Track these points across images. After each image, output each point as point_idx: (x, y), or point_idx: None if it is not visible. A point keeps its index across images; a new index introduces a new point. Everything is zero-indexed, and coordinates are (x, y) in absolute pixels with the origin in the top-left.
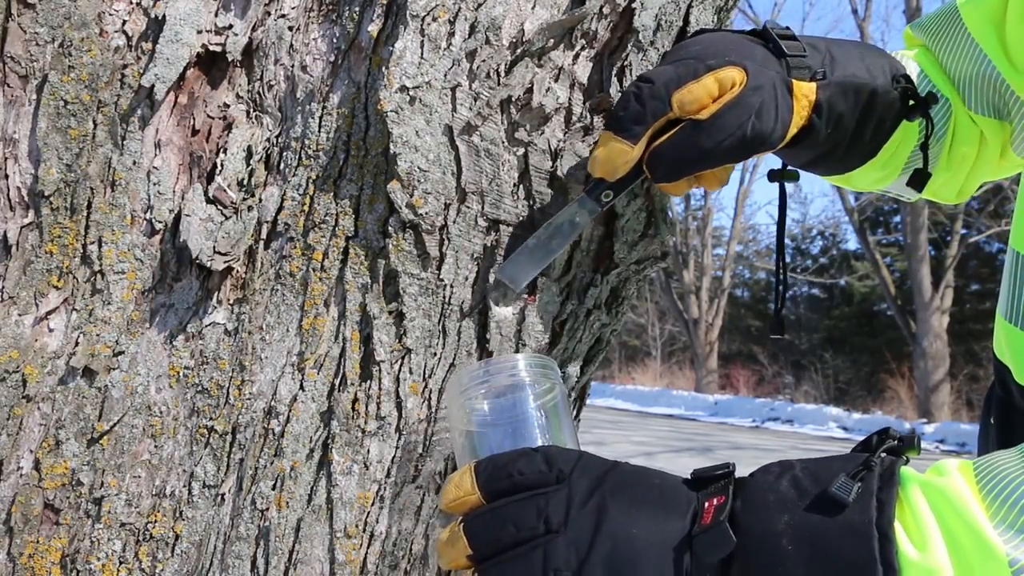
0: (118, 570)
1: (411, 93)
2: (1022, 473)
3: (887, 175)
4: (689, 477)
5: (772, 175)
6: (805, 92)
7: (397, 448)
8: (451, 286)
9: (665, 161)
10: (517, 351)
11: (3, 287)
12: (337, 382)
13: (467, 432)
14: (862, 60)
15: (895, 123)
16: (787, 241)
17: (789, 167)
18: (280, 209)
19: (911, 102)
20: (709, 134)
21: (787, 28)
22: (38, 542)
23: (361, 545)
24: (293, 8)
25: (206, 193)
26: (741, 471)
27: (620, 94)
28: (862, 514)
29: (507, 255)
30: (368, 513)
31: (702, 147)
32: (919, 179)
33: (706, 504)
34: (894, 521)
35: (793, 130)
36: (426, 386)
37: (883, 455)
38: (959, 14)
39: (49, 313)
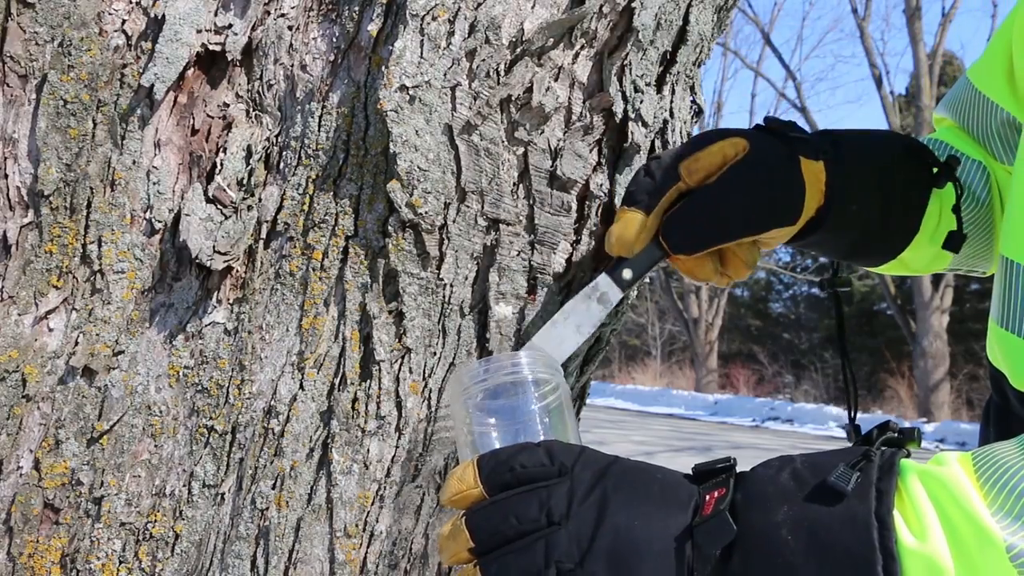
0: (118, 570)
1: (411, 92)
2: (1020, 461)
3: (943, 251)
4: (691, 472)
5: (824, 284)
6: (815, 171)
7: (397, 447)
8: (451, 285)
9: (678, 228)
10: (517, 350)
11: (3, 287)
12: (337, 381)
13: (469, 430)
14: (868, 138)
15: (924, 193)
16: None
17: (840, 274)
18: (280, 208)
19: (934, 170)
20: (718, 197)
21: (789, 121)
22: (38, 542)
23: (361, 544)
24: (293, 7)
25: (206, 192)
26: (741, 470)
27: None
28: (861, 503)
29: (530, 329)
30: (368, 512)
31: (712, 211)
32: (954, 241)
33: (707, 497)
34: (893, 510)
35: (811, 207)
36: (426, 385)
37: (883, 447)
38: (968, 79)
39: (49, 313)
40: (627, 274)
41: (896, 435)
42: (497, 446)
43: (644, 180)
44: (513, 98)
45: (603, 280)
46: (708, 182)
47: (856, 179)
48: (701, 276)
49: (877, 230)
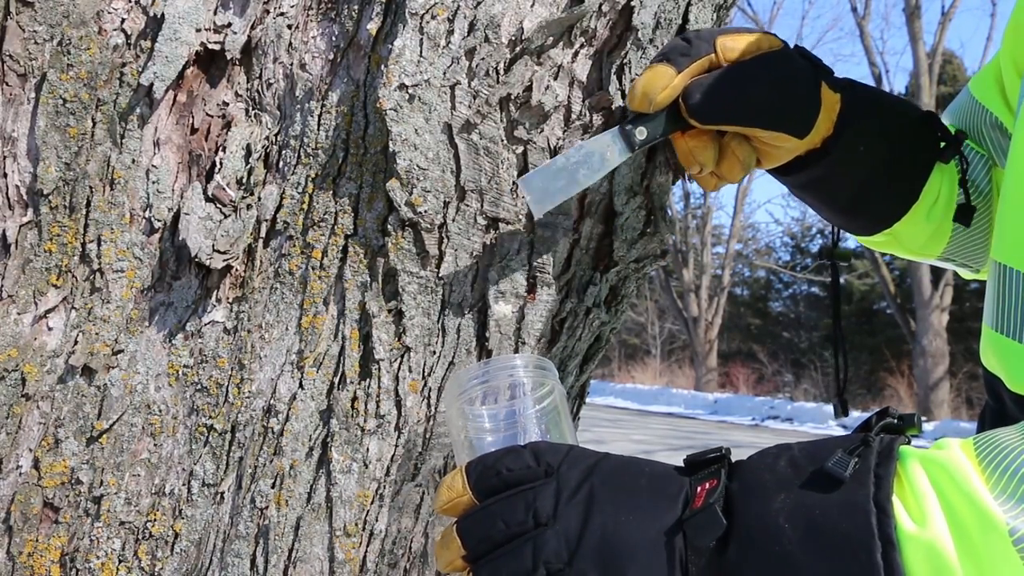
0: (117, 568)
1: (410, 91)
2: (1022, 444)
3: (938, 231)
4: (683, 463)
5: (823, 252)
6: (831, 100)
7: (396, 446)
8: (450, 284)
9: (702, 93)
10: (516, 349)
11: (2, 285)
12: (336, 380)
13: (466, 435)
14: (885, 94)
15: (929, 162)
16: (787, 240)
17: (840, 246)
18: (279, 207)
19: (942, 143)
20: (748, 75)
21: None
22: (37, 540)
23: (360, 543)
24: (292, 6)
25: (205, 191)
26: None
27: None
28: (859, 489)
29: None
30: (367, 511)
31: (740, 86)
32: (964, 214)
33: (698, 489)
34: (892, 496)
35: (820, 131)
36: (425, 384)
37: (882, 434)
38: (968, 87)
39: (48, 312)
40: (640, 134)
41: (895, 421)
42: (494, 450)
43: (680, 43)
44: (512, 97)
45: (614, 134)
46: (740, 61)
47: (867, 122)
48: (700, 158)
49: (881, 182)
